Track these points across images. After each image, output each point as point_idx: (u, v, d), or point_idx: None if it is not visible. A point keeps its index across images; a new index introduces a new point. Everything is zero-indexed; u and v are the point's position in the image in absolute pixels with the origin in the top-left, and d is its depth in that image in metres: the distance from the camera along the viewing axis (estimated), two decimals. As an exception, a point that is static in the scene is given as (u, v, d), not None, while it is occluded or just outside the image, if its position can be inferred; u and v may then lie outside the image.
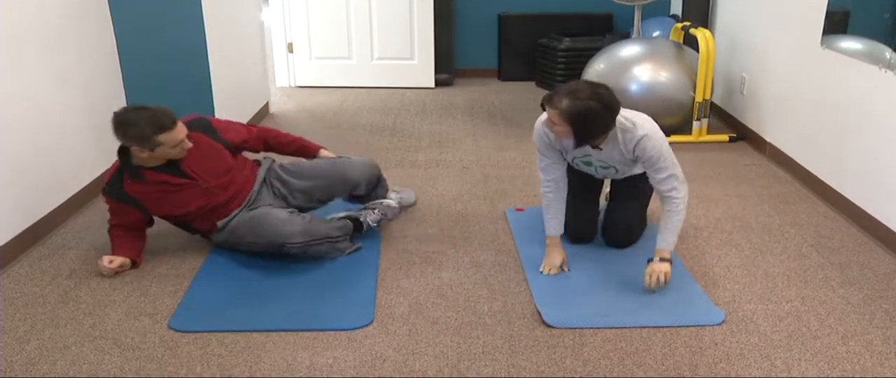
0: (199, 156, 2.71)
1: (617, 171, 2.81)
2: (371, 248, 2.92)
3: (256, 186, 2.89)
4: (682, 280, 2.68)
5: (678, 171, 2.59)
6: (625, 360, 2.21)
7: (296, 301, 2.54)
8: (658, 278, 2.56)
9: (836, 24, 3.45)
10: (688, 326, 2.38)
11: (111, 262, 2.68)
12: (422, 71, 5.84)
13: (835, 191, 3.38)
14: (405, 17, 5.68)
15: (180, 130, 2.59)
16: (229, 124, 2.95)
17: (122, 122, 2.54)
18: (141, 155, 2.58)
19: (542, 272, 2.74)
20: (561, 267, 2.75)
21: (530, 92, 5.70)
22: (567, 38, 5.62)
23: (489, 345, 2.29)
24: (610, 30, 5.97)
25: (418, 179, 3.72)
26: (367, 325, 2.39)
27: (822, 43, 3.50)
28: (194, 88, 3.79)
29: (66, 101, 3.28)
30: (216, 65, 3.85)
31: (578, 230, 2.96)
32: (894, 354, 2.24)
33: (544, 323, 2.40)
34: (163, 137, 2.52)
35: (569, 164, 2.85)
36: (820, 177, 3.53)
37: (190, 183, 2.70)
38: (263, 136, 3.06)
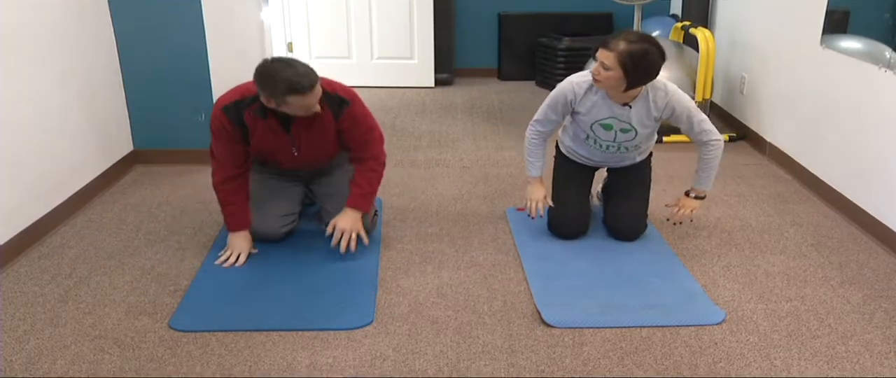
0: (311, 127, 2.72)
1: (635, 135, 2.81)
2: (371, 248, 2.92)
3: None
4: (682, 280, 2.68)
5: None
6: (625, 360, 2.21)
7: (296, 301, 2.54)
8: (688, 212, 2.78)
9: (836, 24, 3.45)
10: (688, 326, 2.38)
11: (237, 256, 2.80)
12: (421, 70, 5.83)
13: (835, 191, 3.38)
14: (405, 16, 5.68)
15: (314, 95, 2.54)
16: (363, 122, 2.82)
17: (264, 74, 2.52)
18: (268, 103, 2.58)
19: (527, 210, 2.94)
20: (540, 203, 2.94)
21: (530, 92, 5.70)
22: (567, 38, 5.61)
23: (489, 344, 2.29)
24: (610, 29, 5.96)
25: (418, 179, 3.72)
26: (367, 325, 2.39)
27: (822, 42, 3.50)
28: (194, 88, 3.80)
29: (66, 101, 3.28)
30: (216, 64, 3.85)
31: (576, 222, 2.97)
32: (894, 354, 2.24)
33: (544, 323, 2.40)
34: (292, 99, 2.52)
35: (575, 139, 2.94)
36: (820, 177, 3.53)
37: (288, 143, 2.76)
38: (361, 158, 2.88)
